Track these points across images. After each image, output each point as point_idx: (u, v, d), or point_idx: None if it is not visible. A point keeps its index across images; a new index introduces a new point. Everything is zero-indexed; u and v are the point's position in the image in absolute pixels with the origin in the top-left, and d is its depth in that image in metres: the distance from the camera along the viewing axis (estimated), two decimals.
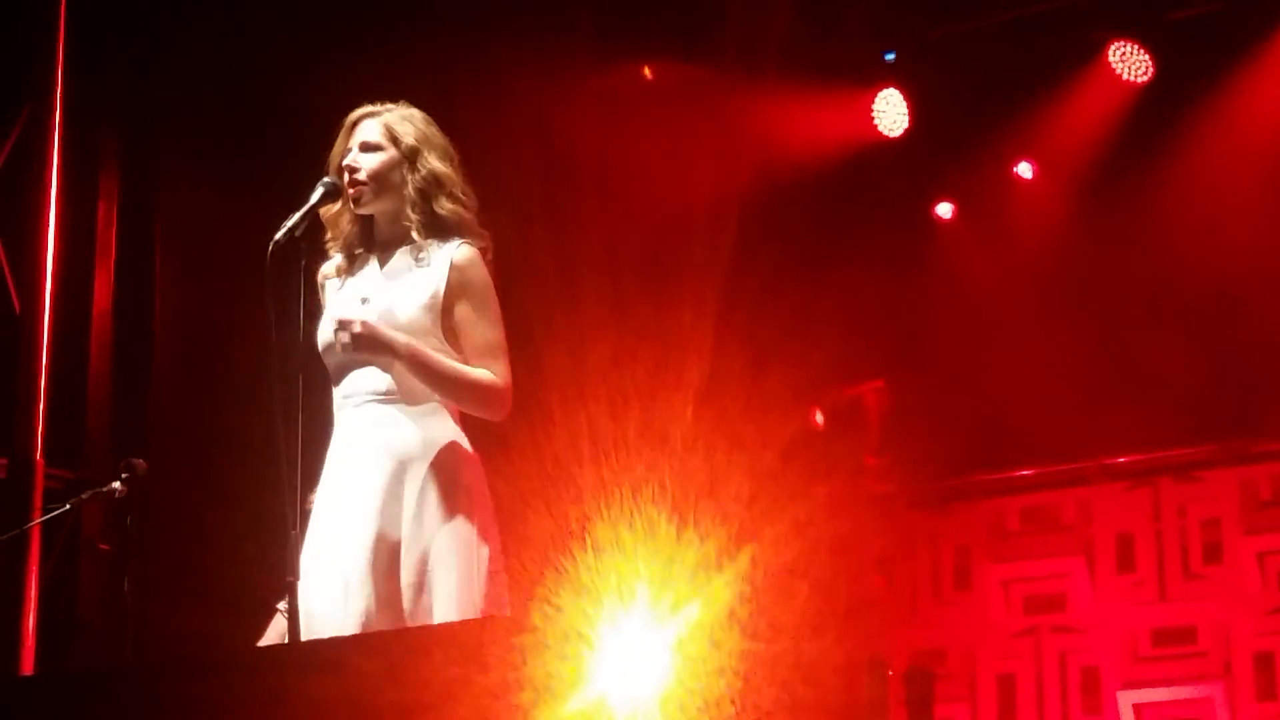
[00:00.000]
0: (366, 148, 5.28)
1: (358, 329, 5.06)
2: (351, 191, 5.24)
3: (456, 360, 5.18)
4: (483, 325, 5.20)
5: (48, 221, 8.40)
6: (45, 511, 7.63)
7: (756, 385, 8.44)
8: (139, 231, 8.85)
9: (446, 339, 5.19)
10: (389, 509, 5.10)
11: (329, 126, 5.37)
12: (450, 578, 5.05)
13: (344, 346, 5.08)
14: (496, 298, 5.25)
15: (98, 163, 8.81)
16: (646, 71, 9.88)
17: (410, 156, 5.27)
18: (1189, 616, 9.29)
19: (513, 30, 8.71)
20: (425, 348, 5.13)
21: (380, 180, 5.26)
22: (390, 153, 5.28)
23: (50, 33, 8.49)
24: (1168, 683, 9.26)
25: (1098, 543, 9.57)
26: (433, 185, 5.27)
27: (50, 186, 8.44)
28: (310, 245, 5.21)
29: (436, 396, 5.17)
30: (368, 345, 5.09)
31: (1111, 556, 9.54)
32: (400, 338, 5.11)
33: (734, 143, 9.48)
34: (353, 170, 5.24)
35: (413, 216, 5.25)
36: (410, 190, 5.26)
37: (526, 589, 5.32)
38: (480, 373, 5.17)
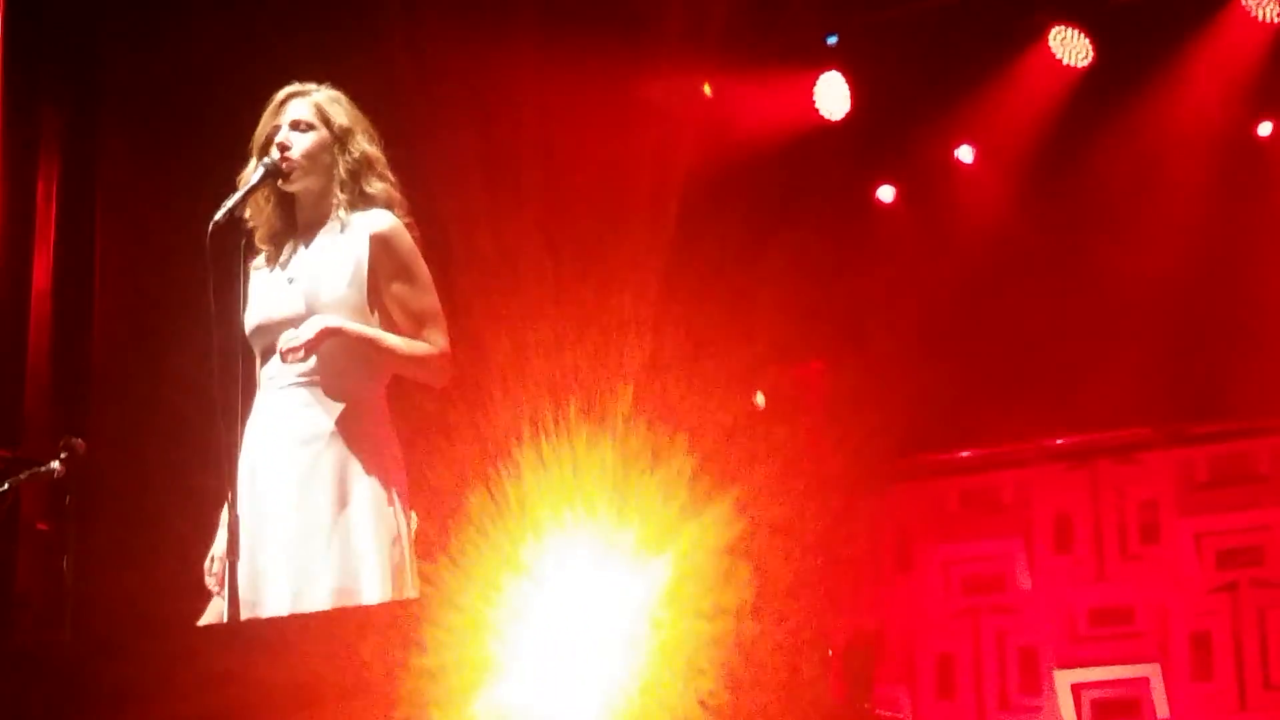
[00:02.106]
0: (298, 126, 5.28)
1: (309, 336, 5.03)
2: (284, 167, 5.23)
3: (392, 334, 5.18)
4: (415, 294, 5.21)
5: None
6: None
7: (697, 366, 8.45)
8: (79, 210, 8.80)
9: (378, 312, 5.18)
10: (311, 491, 5.10)
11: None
12: (378, 556, 5.05)
13: (295, 358, 5.03)
14: (424, 263, 5.25)
15: (38, 141, 8.74)
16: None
17: (342, 137, 5.30)
18: (1126, 597, 9.35)
19: (451, 9, 8.69)
20: (364, 325, 5.13)
21: (312, 159, 5.27)
22: (322, 133, 5.29)
23: None
24: (1105, 662, 9.32)
25: (1036, 524, 9.63)
26: (363, 166, 5.29)
27: None
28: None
29: (359, 373, 5.16)
30: (318, 346, 5.06)
31: (1050, 537, 9.59)
32: (350, 326, 5.09)
33: (675, 125, 9.49)
34: (284, 148, 5.24)
35: (340, 195, 5.26)
36: (341, 171, 5.27)
37: (466, 570, 5.33)
38: (420, 346, 5.17)
